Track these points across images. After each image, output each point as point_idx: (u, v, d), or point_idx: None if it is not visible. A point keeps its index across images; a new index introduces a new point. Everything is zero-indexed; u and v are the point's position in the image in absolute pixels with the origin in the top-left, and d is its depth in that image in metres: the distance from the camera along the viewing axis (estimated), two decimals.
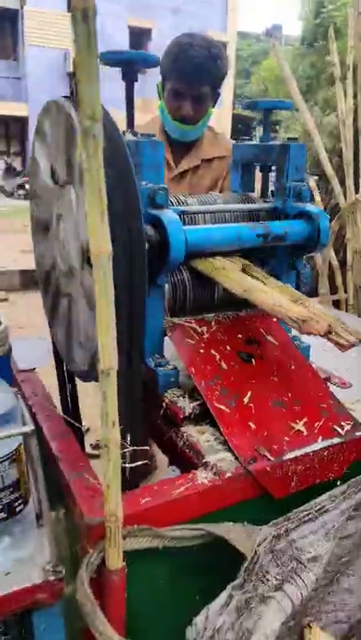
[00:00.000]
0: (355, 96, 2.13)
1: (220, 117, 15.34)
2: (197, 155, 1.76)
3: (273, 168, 1.22)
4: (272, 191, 1.23)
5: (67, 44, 15.59)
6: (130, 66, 1.04)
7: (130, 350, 0.82)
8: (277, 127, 16.73)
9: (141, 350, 0.92)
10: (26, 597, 0.66)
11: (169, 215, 0.95)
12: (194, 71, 1.59)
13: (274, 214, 1.17)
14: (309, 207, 1.12)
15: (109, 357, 0.66)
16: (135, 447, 0.84)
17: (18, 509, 0.69)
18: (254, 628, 0.78)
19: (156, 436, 1.08)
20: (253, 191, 1.30)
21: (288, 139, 1.17)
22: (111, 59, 1.02)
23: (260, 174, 1.28)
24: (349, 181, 2.09)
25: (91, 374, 0.92)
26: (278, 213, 1.16)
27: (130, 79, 1.05)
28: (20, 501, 0.69)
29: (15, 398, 0.66)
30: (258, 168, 1.29)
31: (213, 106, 1.75)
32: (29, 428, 0.62)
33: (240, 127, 19.01)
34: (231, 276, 1.05)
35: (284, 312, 0.95)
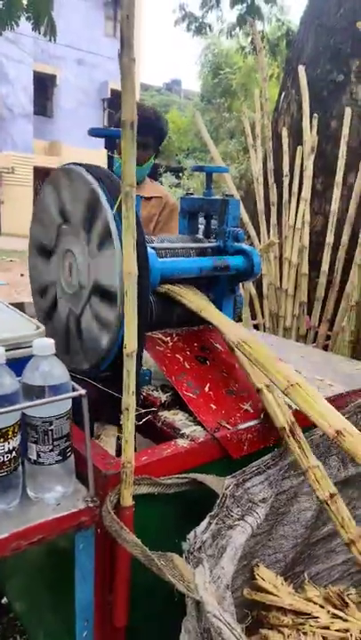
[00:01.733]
0: (264, 159, 2.61)
1: None
2: (138, 192, 2.19)
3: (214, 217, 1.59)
4: (214, 234, 1.60)
5: None
6: (112, 139, 1.37)
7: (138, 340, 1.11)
8: (180, 174, 17.75)
9: (143, 342, 1.21)
10: (73, 520, 0.92)
11: (148, 249, 1.28)
12: (143, 123, 2.01)
13: (217, 251, 1.52)
14: (245, 246, 1.49)
15: (133, 343, 0.96)
16: (146, 410, 1.13)
17: (68, 455, 0.95)
18: (227, 544, 1.08)
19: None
20: (198, 234, 1.66)
21: (226, 195, 1.55)
22: (99, 133, 1.34)
23: (205, 221, 1.64)
24: (263, 227, 2.54)
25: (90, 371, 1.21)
26: (221, 251, 1.52)
27: (111, 148, 1.38)
28: (69, 449, 0.95)
29: (68, 374, 0.93)
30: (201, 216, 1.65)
31: (155, 158, 2.28)
32: (83, 391, 0.90)
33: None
34: (191, 299, 1.38)
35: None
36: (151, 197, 2.29)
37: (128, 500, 1.02)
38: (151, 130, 2.14)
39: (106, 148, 1.31)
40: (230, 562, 1.05)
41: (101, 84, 18.73)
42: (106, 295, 1.16)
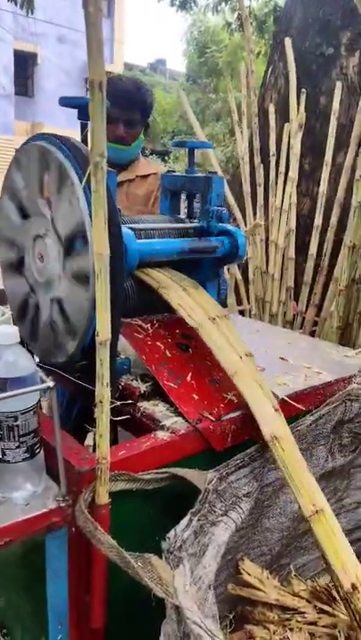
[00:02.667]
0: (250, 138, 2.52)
1: None
2: (133, 172, 2.10)
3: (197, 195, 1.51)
4: (196, 214, 1.52)
5: None
6: (85, 109, 1.27)
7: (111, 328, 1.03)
8: (166, 158, 17.51)
9: (118, 329, 1.14)
10: (43, 520, 0.85)
11: (124, 230, 1.19)
12: (124, 98, 1.91)
13: (200, 232, 1.44)
14: (229, 227, 1.41)
15: (105, 331, 0.88)
16: (122, 402, 1.06)
17: (36, 451, 0.88)
18: (209, 542, 1.02)
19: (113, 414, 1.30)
20: (180, 214, 1.58)
21: (209, 172, 1.46)
22: (69, 102, 1.24)
23: (186, 200, 1.56)
24: (249, 209, 2.45)
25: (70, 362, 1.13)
26: (203, 232, 1.44)
27: (84, 119, 1.28)
28: (37, 445, 0.88)
29: (34, 363, 0.86)
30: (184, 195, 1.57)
31: (145, 134, 2.09)
32: (51, 383, 0.82)
33: None
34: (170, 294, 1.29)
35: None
36: (148, 174, 2.15)
37: (104, 498, 0.96)
38: (135, 104, 1.97)
39: (79, 118, 1.22)
40: (213, 560, 1.00)
41: (84, 63, 18.26)
42: (79, 279, 1.08)
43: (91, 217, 0.84)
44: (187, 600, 0.80)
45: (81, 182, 1.01)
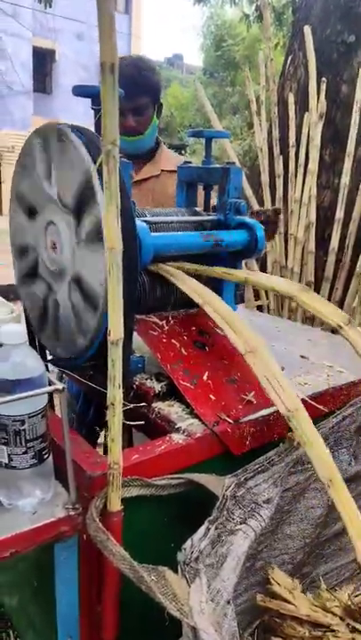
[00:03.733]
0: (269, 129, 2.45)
1: None
2: (156, 166, 1.98)
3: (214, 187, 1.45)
4: (214, 206, 1.46)
5: None
6: (98, 97, 1.22)
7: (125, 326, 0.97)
8: (183, 152, 17.43)
9: (132, 327, 1.09)
10: (52, 530, 0.81)
11: (138, 223, 1.14)
12: (126, 85, 1.69)
13: (217, 225, 1.38)
14: (247, 219, 1.35)
15: (118, 330, 0.83)
16: (136, 404, 1.01)
17: (45, 457, 0.83)
18: (227, 553, 0.96)
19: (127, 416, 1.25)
20: (196, 206, 1.52)
21: (227, 163, 1.40)
22: (83, 91, 1.19)
23: (203, 192, 1.50)
24: (267, 202, 2.38)
25: (81, 357, 1.08)
26: (221, 225, 1.38)
27: (97, 109, 1.23)
28: (46, 450, 0.83)
29: (44, 366, 0.81)
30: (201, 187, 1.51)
31: (158, 117, 1.94)
32: (61, 385, 0.77)
33: None
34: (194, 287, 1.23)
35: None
36: (174, 171, 1.87)
37: (116, 505, 0.91)
38: (139, 88, 1.79)
39: (93, 107, 1.16)
40: (232, 572, 0.94)
41: None
42: (93, 239, 1.03)
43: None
44: (202, 621, 0.75)
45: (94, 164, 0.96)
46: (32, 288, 1.25)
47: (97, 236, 1.00)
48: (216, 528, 0.99)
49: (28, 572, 1.27)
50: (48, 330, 1.24)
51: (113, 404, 0.86)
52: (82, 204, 1.03)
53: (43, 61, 17.36)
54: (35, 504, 0.83)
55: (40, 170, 1.12)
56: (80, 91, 1.17)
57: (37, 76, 17.11)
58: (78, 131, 1.04)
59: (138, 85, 1.79)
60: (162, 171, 1.98)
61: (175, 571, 0.90)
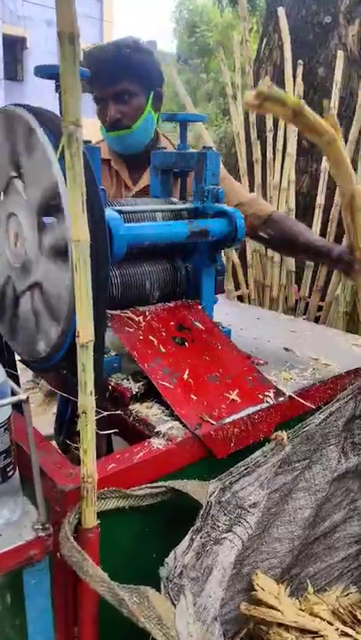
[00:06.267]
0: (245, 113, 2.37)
1: None
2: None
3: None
4: (191, 194, 1.38)
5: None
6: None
7: (96, 326, 0.90)
8: None
9: (104, 326, 1.01)
10: (19, 555, 0.73)
11: (109, 213, 1.06)
12: (105, 69, 1.44)
13: (195, 214, 1.31)
14: (226, 207, 1.27)
15: (87, 332, 0.75)
16: (110, 412, 0.93)
17: (10, 474, 0.75)
18: (213, 565, 0.90)
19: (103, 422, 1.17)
20: (171, 194, 1.44)
21: (204, 147, 1.32)
22: (44, 71, 1.10)
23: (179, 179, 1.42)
24: (245, 188, 2.31)
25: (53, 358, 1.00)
26: (199, 213, 1.31)
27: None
28: (11, 467, 0.75)
29: (4, 373, 0.73)
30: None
31: (156, 108, 1.58)
32: (25, 395, 0.69)
33: None
34: None
35: None
36: None
37: (91, 521, 0.84)
38: (121, 71, 1.44)
39: (58, 90, 1.08)
40: (218, 586, 0.88)
41: None
42: (57, 254, 0.95)
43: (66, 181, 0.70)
44: None
45: (55, 151, 0.87)
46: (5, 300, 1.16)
47: (63, 252, 0.91)
48: (201, 537, 0.93)
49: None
50: (6, 323, 1.16)
51: (85, 413, 0.78)
52: (47, 212, 0.94)
53: (13, 49, 16.94)
54: (0, 525, 0.75)
55: (3, 153, 1.02)
56: (42, 71, 1.08)
57: (8, 64, 16.69)
58: (39, 116, 0.94)
59: (119, 68, 1.45)
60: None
61: (158, 586, 0.84)
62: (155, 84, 1.55)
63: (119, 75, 1.47)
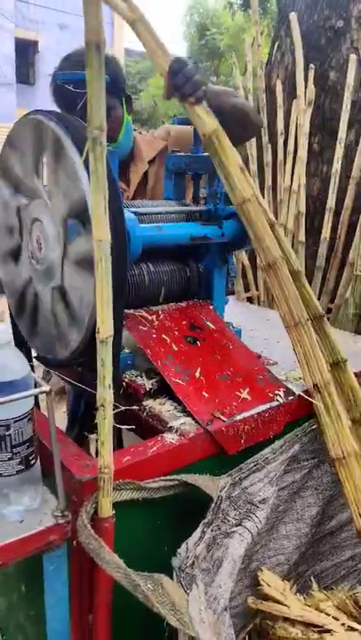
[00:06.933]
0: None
1: None
2: (140, 162, 1.70)
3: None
4: (204, 197, 1.41)
5: None
6: (82, 83, 1.16)
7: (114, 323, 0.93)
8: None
9: (121, 322, 1.04)
10: (40, 540, 0.76)
11: (127, 214, 1.09)
12: (81, 95, 1.39)
13: (207, 216, 1.34)
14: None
15: (107, 327, 0.78)
16: (127, 406, 0.96)
17: (32, 463, 0.79)
18: (223, 557, 0.93)
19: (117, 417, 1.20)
20: (185, 197, 1.47)
21: None
22: (67, 78, 1.14)
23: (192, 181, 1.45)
24: (257, 191, 2.34)
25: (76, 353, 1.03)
26: (211, 215, 1.33)
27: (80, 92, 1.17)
28: (33, 456, 0.79)
29: (29, 366, 0.76)
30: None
31: (130, 112, 1.59)
32: (48, 387, 0.73)
33: None
34: None
35: None
36: (154, 158, 1.67)
37: (107, 511, 0.87)
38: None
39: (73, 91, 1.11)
40: (228, 578, 0.91)
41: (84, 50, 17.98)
42: (82, 265, 0.98)
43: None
44: (204, 631, 0.71)
45: (81, 157, 0.90)
46: (13, 270, 1.20)
47: (87, 264, 0.94)
48: (212, 530, 0.95)
49: (16, 576, 1.22)
50: (25, 320, 1.19)
51: (103, 406, 0.81)
52: (74, 225, 0.97)
53: (25, 52, 17.05)
54: (22, 512, 0.78)
55: (29, 159, 1.05)
56: (64, 78, 1.12)
57: (20, 67, 16.81)
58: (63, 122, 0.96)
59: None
60: (149, 163, 1.69)
61: (170, 576, 0.87)
62: (123, 88, 1.56)
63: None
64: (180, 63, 0.99)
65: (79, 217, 0.95)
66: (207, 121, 1.01)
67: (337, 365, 1.18)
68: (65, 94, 1.23)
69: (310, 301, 1.14)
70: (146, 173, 1.69)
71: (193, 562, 0.88)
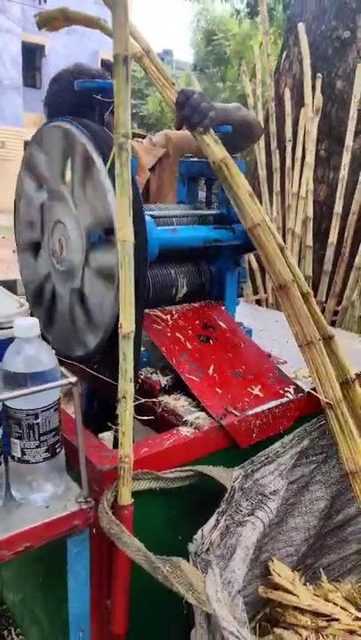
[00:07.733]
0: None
1: None
2: (141, 172, 1.73)
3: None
4: (215, 201, 1.46)
5: None
6: (102, 92, 1.22)
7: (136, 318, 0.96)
8: None
9: (141, 320, 1.08)
10: (65, 524, 0.81)
11: (145, 217, 1.14)
12: (74, 107, 1.34)
13: (220, 219, 1.39)
14: None
15: (129, 323, 0.83)
16: (146, 400, 1.01)
17: (58, 451, 0.83)
18: (237, 544, 0.97)
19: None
20: (197, 201, 1.52)
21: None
22: (87, 86, 1.19)
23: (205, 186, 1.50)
24: (265, 196, 2.39)
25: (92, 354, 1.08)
26: (223, 218, 1.38)
27: (101, 103, 1.23)
28: (58, 444, 0.83)
29: (55, 359, 0.81)
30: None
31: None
32: (74, 378, 0.77)
33: None
34: None
35: None
36: (154, 166, 1.69)
37: (126, 499, 0.91)
38: (93, 105, 1.32)
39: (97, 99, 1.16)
40: (242, 563, 0.95)
41: (91, 54, 18.14)
42: (105, 275, 1.03)
43: None
44: (221, 609, 0.75)
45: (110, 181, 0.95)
46: (32, 264, 1.25)
47: (109, 276, 0.99)
48: (225, 520, 1.00)
49: (34, 566, 1.27)
50: (41, 313, 1.24)
51: (125, 398, 0.86)
52: (98, 236, 1.02)
53: (32, 56, 17.23)
54: (47, 498, 0.83)
55: (56, 165, 1.10)
56: (84, 85, 1.17)
57: (27, 71, 16.98)
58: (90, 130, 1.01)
59: (85, 109, 1.33)
60: (150, 170, 1.70)
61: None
62: (110, 96, 1.52)
63: (90, 117, 1.29)
64: (186, 94, 1.07)
65: (104, 231, 1.00)
66: (215, 150, 1.08)
67: (346, 384, 1.22)
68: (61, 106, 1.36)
69: (320, 322, 1.18)
70: (147, 181, 1.73)
71: (208, 547, 0.92)
